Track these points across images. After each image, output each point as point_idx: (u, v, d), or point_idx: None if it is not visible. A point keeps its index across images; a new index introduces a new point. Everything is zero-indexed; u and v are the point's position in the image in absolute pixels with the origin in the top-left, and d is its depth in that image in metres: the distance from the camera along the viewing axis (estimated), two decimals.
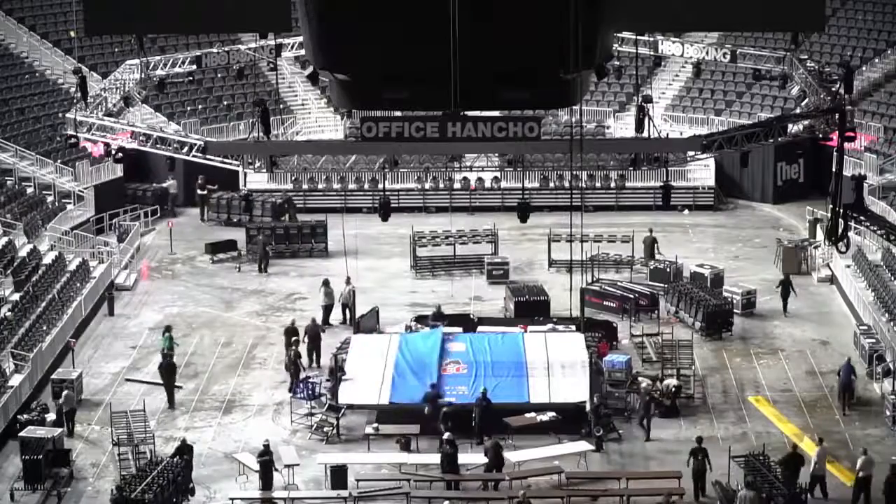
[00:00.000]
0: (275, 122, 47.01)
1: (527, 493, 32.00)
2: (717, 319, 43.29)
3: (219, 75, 63.05)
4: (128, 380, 40.84)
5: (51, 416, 36.55)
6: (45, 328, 41.58)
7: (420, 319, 43.00)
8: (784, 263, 49.33)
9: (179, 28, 40.33)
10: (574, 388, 36.98)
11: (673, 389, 37.42)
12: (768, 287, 47.31)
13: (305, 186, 57.28)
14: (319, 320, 43.63)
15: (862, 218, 40.96)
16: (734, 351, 42.26)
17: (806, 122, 42.89)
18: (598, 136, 59.72)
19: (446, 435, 34.00)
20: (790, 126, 42.91)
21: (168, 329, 42.15)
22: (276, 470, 33.43)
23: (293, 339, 40.77)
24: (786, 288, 45.41)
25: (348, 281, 44.50)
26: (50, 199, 53.12)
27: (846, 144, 42.01)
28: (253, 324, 45.32)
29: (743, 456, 33.39)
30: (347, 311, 44.57)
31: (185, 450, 33.80)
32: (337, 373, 38.14)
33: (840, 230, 39.27)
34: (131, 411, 36.07)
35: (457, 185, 57.50)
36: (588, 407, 36.40)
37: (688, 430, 36.78)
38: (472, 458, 34.66)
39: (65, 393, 37.18)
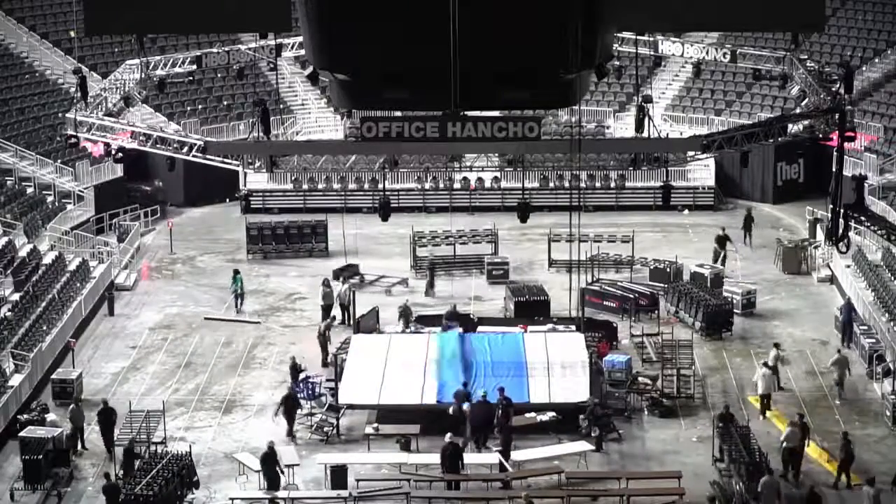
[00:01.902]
0: (275, 122, 47.00)
1: (529, 493, 31.96)
2: (717, 319, 43.31)
3: (219, 75, 63.06)
4: (207, 318, 44.27)
5: (51, 417, 36.52)
6: (45, 328, 41.58)
7: (421, 320, 43.00)
8: (784, 263, 49.35)
9: (179, 28, 40.36)
10: (574, 388, 36.96)
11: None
12: (769, 287, 47.36)
13: (305, 186, 57.28)
14: (319, 320, 43.78)
15: (862, 218, 40.97)
16: (734, 351, 42.26)
17: (806, 122, 42.89)
18: (598, 136, 59.73)
19: (448, 435, 33.97)
20: (790, 126, 42.91)
21: (237, 271, 45.70)
22: (281, 471, 33.41)
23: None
24: (747, 222, 48.06)
25: (344, 280, 44.46)
26: (50, 199, 53.14)
27: (846, 144, 42.03)
28: (253, 324, 45.29)
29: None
30: (346, 311, 44.55)
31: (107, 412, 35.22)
32: (298, 374, 38.62)
33: (840, 230, 39.27)
34: (132, 411, 36.05)
35: (457, 185, 57.49)
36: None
37: (688, 430, 36.80)
38: (478, 458, 34.67)
39: (71, 407, 36.43)
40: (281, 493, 32.80)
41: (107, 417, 35.58)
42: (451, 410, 36.00)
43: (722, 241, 49.84)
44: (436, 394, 36.87)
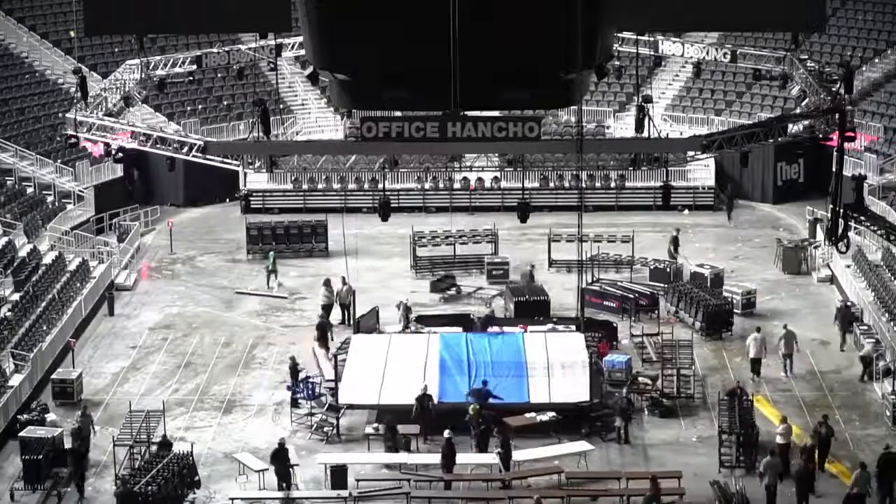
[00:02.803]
0: (275, 122, 47.00)
1: (541, 495, 31.91)
2: (717, 319, 43.32)
3: (219, 75, 63.05)
4: (238, 292, 45.85)
5: (51, 417, 36.53)
6: (45, 328, 41.59)
7: (421, 320, 43.00)
8: (784, 263, 49.35)
9: (179, 28, 40.32)
10: (574, 388, 36.97)
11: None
12: (769, 287, 47.37)
13: (305, 186, 57.27)
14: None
15: (862, 218, 40.95)
16: (734, 351, 42.25)
17: (806, 122, 42.87)
18: (598, 136, 59.73)
19: (446, 433, 33.99)
20: (790, 126, 42.89)
21: (271, 251, 47.23)
22: (292, 468, 33.38)
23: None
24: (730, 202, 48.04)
25: (344, 281, 44.49)
26: (50, 199, 53.15)
27: (846, 144, 42.00)
28: (253, 324, 45.33)
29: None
30: (346, 311, 44.57)
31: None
32: (296, 373, 38.75)
33: (840, 230, 39.27)
34: (132, 411, 36.05)
35: (457, 185, 57.50)
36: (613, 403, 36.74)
37: (688, 430, 36.81)
38: (475, 458, 34.69)
39: (75, 427, 35.24)
40: (281, 494, 32.80)
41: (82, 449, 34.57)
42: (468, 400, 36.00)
43: (675, 241, 49.68)
44: (437, 394, 36.85)
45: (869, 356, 39.74)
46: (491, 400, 36.29)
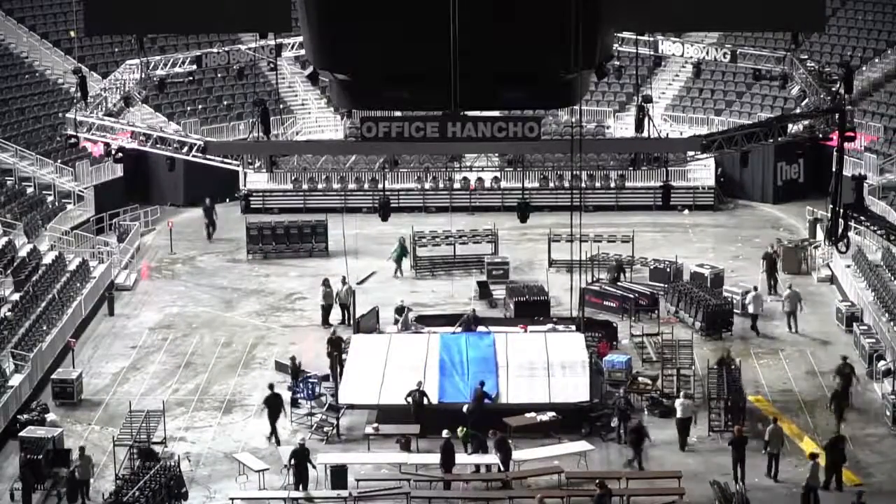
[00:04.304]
0: (275, 122, 47.01)
1: (543, 495, 31.91)
2: (717, 319, 43.31)
3: (219, 75, 63.01)
4: (359, 283, 46.28)
5: (51, 417, 36.52)
6: (45, 328, 41.58)
7: (421, 319, 42.99)
8: (784, 263, 49.33)
9: (179, 28, 40.41)
10: (574, 388, 36.96)
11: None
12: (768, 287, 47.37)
13: (305, 186, 57.28)
14: (319, 320, 43.80)
15: (862, 218, 40.94)
16: (734, 351, 42.19)
17: (806, 122, 42.85)
18: (598, 136, 59.73)
19: (445, 433, 33.97)
20: (790, 126, 42.87)
21: (403, 239, 48.34)
22: (313, 467, 33.39)
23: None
24: (771, 267, 47.35)
25: (344, 281, 44.48)
26: (50, 199, 53.14)
27: (846, 144, 42.01)
28: (253, 324, 45.32)
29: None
30: (346, 311, 44.55)
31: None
32: (298, 374, 38.75)
33: (840, 230, 39.26)
34: (132, 411, 36.05)
35: (457, 185, 57.50)
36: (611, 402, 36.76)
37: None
38: (478, 458, 34.67)
39: (75, 459, 33.83)
40: (281, 493, 32.80)
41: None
42: (465, 409, 35.96)
43: (772, 264, 48.30)
44: (437, 394, 36.84)
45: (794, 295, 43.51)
46: (486, 401, 36.27)
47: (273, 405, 36.50)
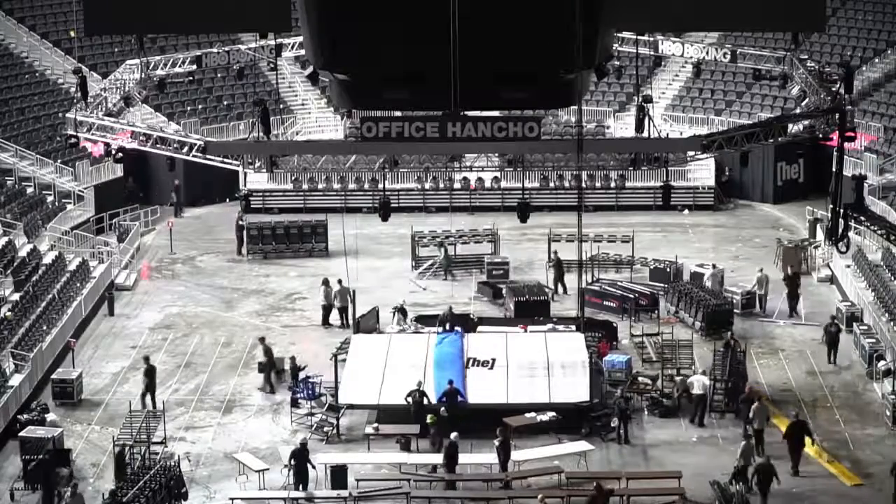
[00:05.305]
0: (275, 122, 46.97)
1: (545, 495, 31.90)
2: (717, 319, 43.30)
3: (219, 75, 63.06)
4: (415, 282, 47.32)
5: (51, 417, 36.51)
6: (45, 328, 41.58)
7: (420, 319, 42.99)
8: (784, 263, 49.31)
9: (179, 28, 40.39)
10: (574, 389, 36.96)
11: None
12: (769, 287, 47.28)
13: (305, 186, 57.29)
14: (319, 320, 43.82)
15: (862, 218, 40.95)
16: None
17: (806, 122, 42.85)
18: (598, 136, 59.74)
19: (453, 435, 33.91)
20: (790, 126, 42.87)
21: (443, 243, 48.75)
22: (313, 467, 33.39)
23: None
24: (793, 286, 45.60)
25: (340, 282, 44.40)
26: (50, 199, 53.14)
27: (846, 144, 42.01)
28: (253, 324, 45.31)
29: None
30: (343, 313, 44.38)
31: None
32: (296, 373, 38.71)
33: (840, 230, 39.27)
34: (132, 411, 36.05)
35: (457, 185, 57.51)
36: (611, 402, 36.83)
37: (688, 429, 36.80)
38: (478, 458, 34.68)
39: (67, 494, 32.47)
40: (281, 493, 32.80)
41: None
42: (442, 411, 35.97)
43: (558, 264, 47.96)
44: (435, 394, 36.84)
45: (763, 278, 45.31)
46: (460, 398, 36.29)
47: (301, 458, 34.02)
